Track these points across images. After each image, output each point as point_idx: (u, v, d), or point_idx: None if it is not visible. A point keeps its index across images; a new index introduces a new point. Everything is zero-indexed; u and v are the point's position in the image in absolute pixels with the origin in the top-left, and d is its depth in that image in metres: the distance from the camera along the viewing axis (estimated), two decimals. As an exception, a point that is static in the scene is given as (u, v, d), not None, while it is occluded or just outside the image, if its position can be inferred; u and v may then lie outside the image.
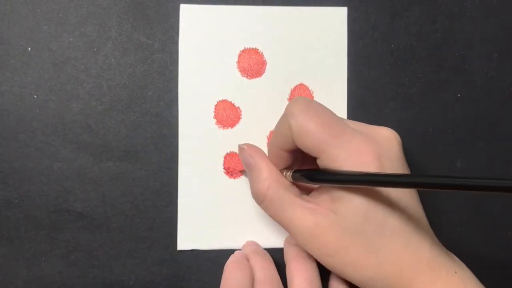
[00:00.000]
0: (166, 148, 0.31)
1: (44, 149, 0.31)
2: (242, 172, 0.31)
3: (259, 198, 0.27)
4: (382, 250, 0.24)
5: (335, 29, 0.32)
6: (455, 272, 0.25)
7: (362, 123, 0.27)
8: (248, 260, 0.30)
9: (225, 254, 0.31)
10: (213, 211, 0.31)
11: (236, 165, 0.31)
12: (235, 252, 0.30)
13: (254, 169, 0.28)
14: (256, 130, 0.32)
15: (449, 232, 0.32)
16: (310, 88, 0.32)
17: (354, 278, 0.25)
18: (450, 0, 0.32)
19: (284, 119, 0.26)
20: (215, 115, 0.31)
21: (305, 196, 0.27)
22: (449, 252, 0.27)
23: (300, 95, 0.32)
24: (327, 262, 0.26)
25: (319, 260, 0.26)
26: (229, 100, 0.32)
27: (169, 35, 0.31)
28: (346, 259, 0.25)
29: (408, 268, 0.24)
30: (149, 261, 0.31)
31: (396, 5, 0.32)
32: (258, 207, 0.31)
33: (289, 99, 0.32)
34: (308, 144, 0.25)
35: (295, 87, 0.32)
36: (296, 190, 0.27)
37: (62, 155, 0.31)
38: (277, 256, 0.31)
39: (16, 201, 0.31)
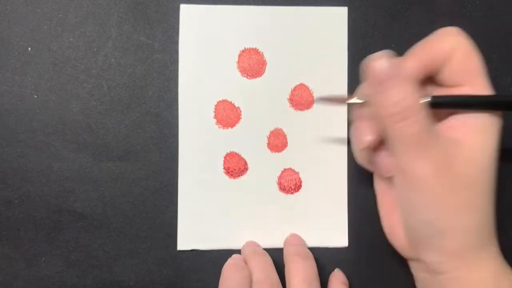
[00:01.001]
0: (166, 148, 0.31)
1: (44, 149, 0.31)
2: (315, 101, 0.31)
3: (405, 114, 0.24)
4: (478, 211, 0.25)
5: (335, 29, 0.32)
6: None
7: None
8: (247, 261, 0.30)
9: (225, 254, 0.31)
10: (213, 211, 0.31)
11: (236, 165, 0.31)
12: (233, 255, 0.30)
13: (397, 83, 0.25)
14: (256, 130, 0.32)
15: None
16: (310, 88, 0.32)
17: (423, 220, 0.26)
18: (450, 0, 0.32)
19: (441, 38, 0.26)
20: (215, 115, 0.32)
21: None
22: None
23: (300, 96, 0.32)
24: (441, 201, 0.25)
25: (428, 200, 0.25)
26: (229, 100, 0.32)
27: (169, 35, 0.31)
28: (433, 199, 0.25)
29: (479, 242, 0.26)
30: (149, 261, 0.31)
31: (396, 5, 0.32)
32: (258, 207, 0.31)
33: (289, 99, 0.32)
34: (470, 66, 0.26)
35: (295, 87, 0.32)
36: None
37: (62, 155, 0.31)
38: (276, 256, 0.31)
39: (16, 201, 0.31)
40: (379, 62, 0.25)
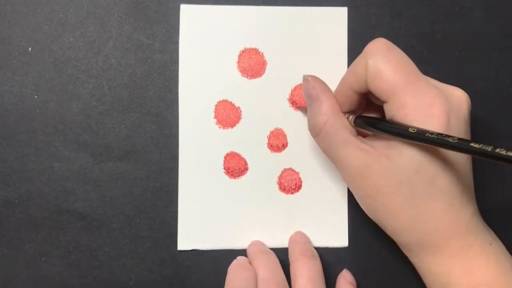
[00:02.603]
0: (166, 148, 0.31)
1: (44, 149, 0.31)
2: (299, 108, 0.31)
3: (315, 131, 0.27)
4: (423, 205, 0.24)
5: (335, 29, 0.32)
6: (490, 244, 0.25)
7: (435, 80, 0.27)
8: (253, 259, 0.29)
9: (225, 254, 0.31)
10: (213, 211, 0.31)
11: (236, 165, 0.31)
12: (238, 257, 0.30)
13: (315, 101, 0.27)
14: (256, 130, 0.32)
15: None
16: (310, 88, 0.32)
17: (388, 225, 0.26)
18: (450, 0, 0.32)
19: (362, 58, 0.26)
20: (215, 115, 0.32)
21: (360, 137, 0.27)
22: (487, 225, 0.26)
23: (300, 96, 0.32)
24: (366, 204, 0.26)
25: (358, 200, 0.27)
26: (229, 100, 0.32)
27: (169, 35, 0.31)
28: (387, 205, 0.25)
29: (444, 229, 0.24)
30: (149, 261, 0.31)
31: (396, 5, 0.32)
32: (258, 207, 0.31)
33: (289, 99, 0.32)
34: (381, 86, 0.25)
35: (295, 87, 0.32)
36: (353, 130, 0.27)
37: (62, 155, 0.31)
38: (279, 256, 0.31)
39: (16, 201, 0.31)
40: (307, 84, 0.28)
